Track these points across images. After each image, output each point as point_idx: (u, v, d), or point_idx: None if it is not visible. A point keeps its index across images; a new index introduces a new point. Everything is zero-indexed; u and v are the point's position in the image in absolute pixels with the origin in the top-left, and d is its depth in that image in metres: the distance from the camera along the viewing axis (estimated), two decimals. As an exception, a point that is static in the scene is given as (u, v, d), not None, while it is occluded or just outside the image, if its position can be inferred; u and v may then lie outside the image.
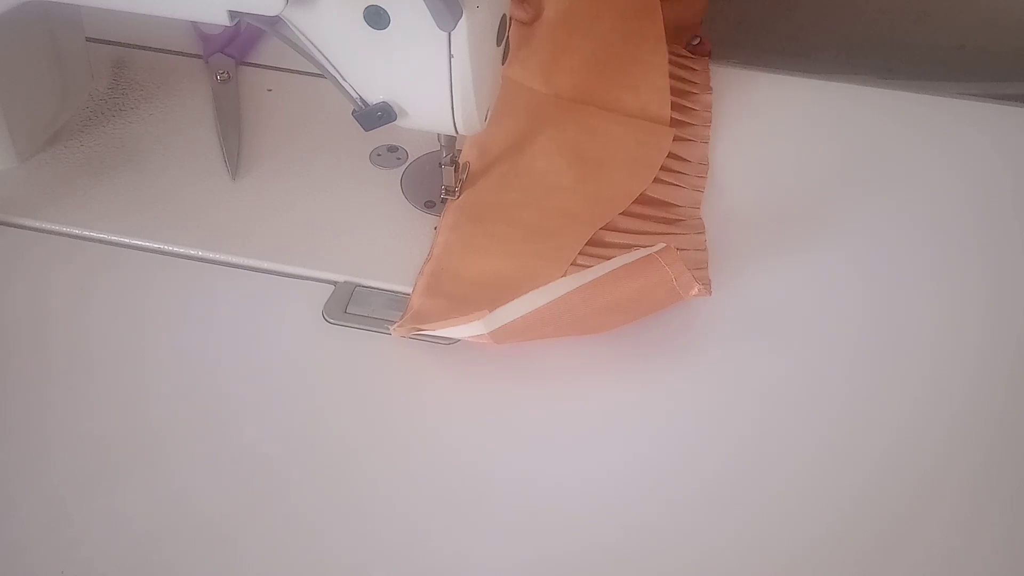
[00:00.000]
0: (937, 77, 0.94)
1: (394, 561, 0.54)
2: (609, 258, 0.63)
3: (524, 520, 0.56)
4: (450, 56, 0.59)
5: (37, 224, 0.69)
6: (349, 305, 0.65)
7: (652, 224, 0.71)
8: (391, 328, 0.63)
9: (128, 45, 0.83)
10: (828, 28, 0.98)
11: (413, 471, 0.57)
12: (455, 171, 0.70)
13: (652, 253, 0.61)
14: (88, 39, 0.79)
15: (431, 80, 0.60)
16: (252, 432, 0.58)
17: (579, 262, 0.67)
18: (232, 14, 0.58)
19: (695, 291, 0.61)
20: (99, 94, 0.79)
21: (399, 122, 0.63)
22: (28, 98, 0.73)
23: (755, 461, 0.59)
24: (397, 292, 0.66)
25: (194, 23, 0.84)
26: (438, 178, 0.70)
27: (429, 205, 0.71)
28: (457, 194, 0.70)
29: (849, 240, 0.71)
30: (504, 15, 0.62)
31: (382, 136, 0.71)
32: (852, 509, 0.57)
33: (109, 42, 0.83)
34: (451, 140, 0.67)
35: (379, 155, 0.75)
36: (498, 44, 0.62)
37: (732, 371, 0.63)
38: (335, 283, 0.66)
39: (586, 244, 0.68)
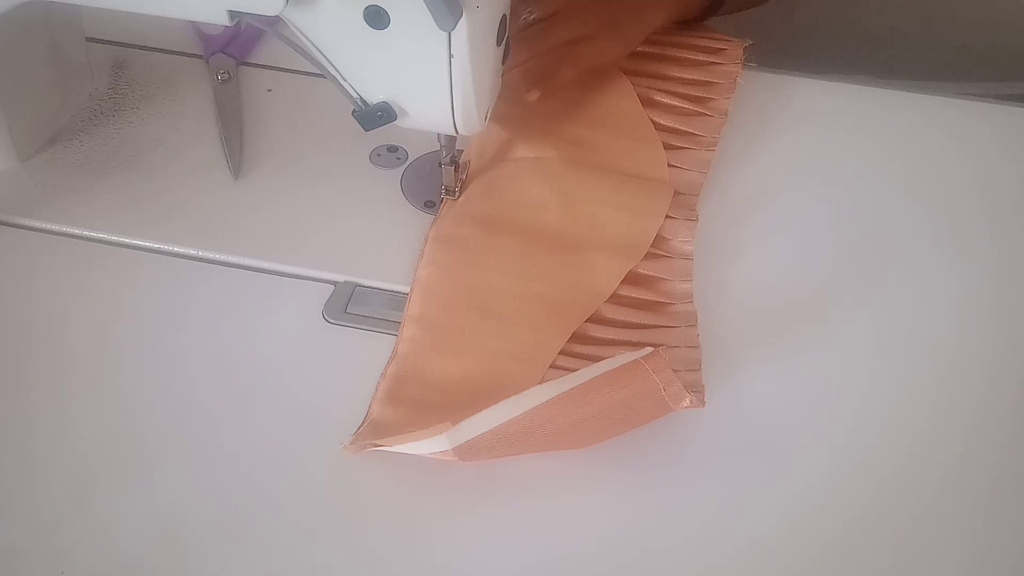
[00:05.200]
0: (937, 77, 0.94)
1: (391, 565, 0.54)
2: (591, 358, 0.58)
3: (529, 518, 0.55)
4: (450, 56, 0.59)
5: (37, 224, 0.69)
6: (349, 305, 0.65)
7: (639, 313, 0.65)
8: (343, 445, 0.57)
9: (128, 45, 0.83)
10: (828, 28, 0.98)
11: (413, 472, 0.57)
12: (455, 171, 0.70)
13: (638, 359, 0.55)
14: (88, 39, 0.79)
15: (431, 80, 0.60)
16: (252, 432, 0.58)
17: (559, 364, 0.61)
18: (232, 14, 0.58)
19: (686, 402, 0.55)
20: (99, 94, 0.79)
21: (399, 122, 0.63)
22: (28, 98, 0.73)
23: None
24: (397, 292, 0.66)
25: (194, 23, 0.84)
26: (438, 178, 0.70)
27: (429, 205, 0.71)
28: (457, 194, 0.70)
29: (851, 239, 0.71)
30: (504, 15, 0.62)
31: (382, 136, 0.71)
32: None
33: (109, 42, 0.83)
34: (451, 140, 0.67)
35: (379, 155, 0.75)
36: (498, 44, 0.62)
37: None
38: (335, 283, 0.66)
39: (567, 340, 0.62)
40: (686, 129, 0.76)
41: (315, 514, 0.55)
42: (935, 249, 0.71)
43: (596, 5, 0.77)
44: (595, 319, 0.64)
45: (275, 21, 0.59)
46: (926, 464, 0.59)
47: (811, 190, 0.75)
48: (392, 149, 0.75)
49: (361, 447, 0.57)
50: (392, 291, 0.66)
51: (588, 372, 0.56)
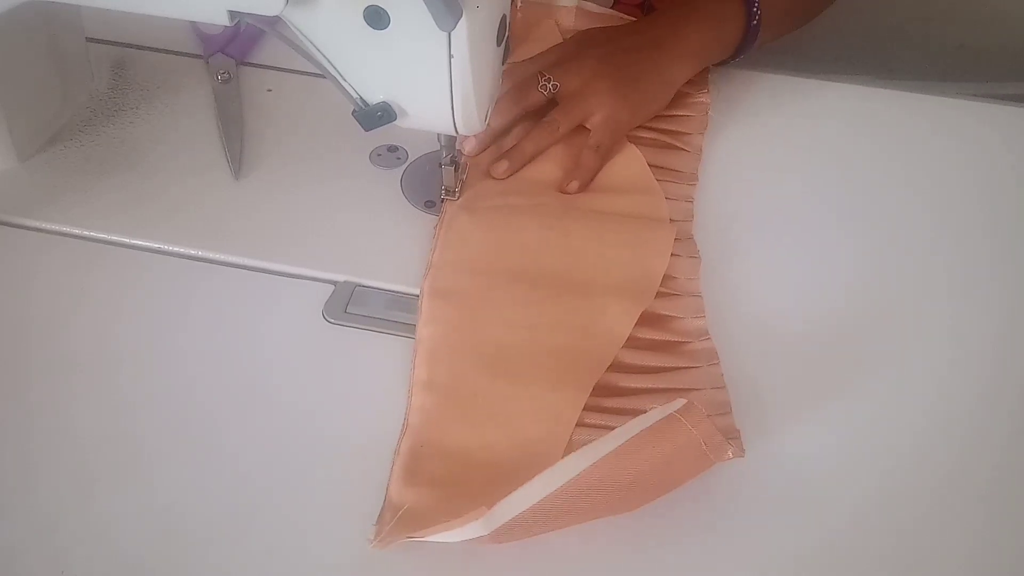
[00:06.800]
0: (937, 77, 0.94)
1: (392, 564, 0.54)
2: (621, 412, 0.55)
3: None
4: (450, 56, 0.59)
5: (37, 224, 0.69)
6: (349, 305, 0.65)
7: (658, 356, 0.62)
8: (370, 541, 0.53)
9: (128, 45, 0.83)
10: (828, 28, 0.98)
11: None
12: (455, 171, 0.70)
13: (673, 413, 0.52)
14: (88, 39, 0.79)
15: (431, 80, 0.60)
16: (252, 432, 0.58)
17: (587, 421, 0.57)
18: (232, 14, 0.58)
19: (728, 454, 0.52)
20: (99, 94, 0.79)
21: (399, 122, 0.63)
22: (28, 98, 0.73)
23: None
24: (397, 292, 0.66)
25: (194, 23, 0.84)
26: (438, 178, 0.70)
27: (429, 205, 0.71)
28: (457, 195, 0.70)
29: (853, 239, 0.71)
30: (504, 15, 0.62)
31: (382, 136, 0.71)
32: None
33: (109, 42, 0.83)
34: (451, 140, 0.67)
35: (379, 155, 0.75)
36: (498, 44, 0.62)
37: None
38: (335, 283, 0.66)
39: (589, 394, 0.59)
40: (664, 164, 0.75)
41: (315, 513, 0.55)
42: (935, 249, 0.71)
43: (620, 70, 0.74)
44: (615, 367, 0.60)
45: (275, 21, 0.59)
46: (928, 468, 0.59)
47: (811, 190, 0.75)
48: (392, 149, 0.75)
49: (389, 542, 0.53)
50: (392, 291, 0.66)
51: (622, 434, 0.52)
